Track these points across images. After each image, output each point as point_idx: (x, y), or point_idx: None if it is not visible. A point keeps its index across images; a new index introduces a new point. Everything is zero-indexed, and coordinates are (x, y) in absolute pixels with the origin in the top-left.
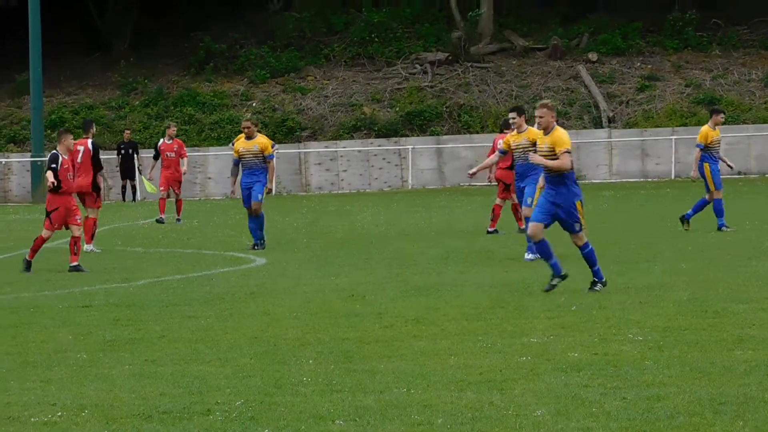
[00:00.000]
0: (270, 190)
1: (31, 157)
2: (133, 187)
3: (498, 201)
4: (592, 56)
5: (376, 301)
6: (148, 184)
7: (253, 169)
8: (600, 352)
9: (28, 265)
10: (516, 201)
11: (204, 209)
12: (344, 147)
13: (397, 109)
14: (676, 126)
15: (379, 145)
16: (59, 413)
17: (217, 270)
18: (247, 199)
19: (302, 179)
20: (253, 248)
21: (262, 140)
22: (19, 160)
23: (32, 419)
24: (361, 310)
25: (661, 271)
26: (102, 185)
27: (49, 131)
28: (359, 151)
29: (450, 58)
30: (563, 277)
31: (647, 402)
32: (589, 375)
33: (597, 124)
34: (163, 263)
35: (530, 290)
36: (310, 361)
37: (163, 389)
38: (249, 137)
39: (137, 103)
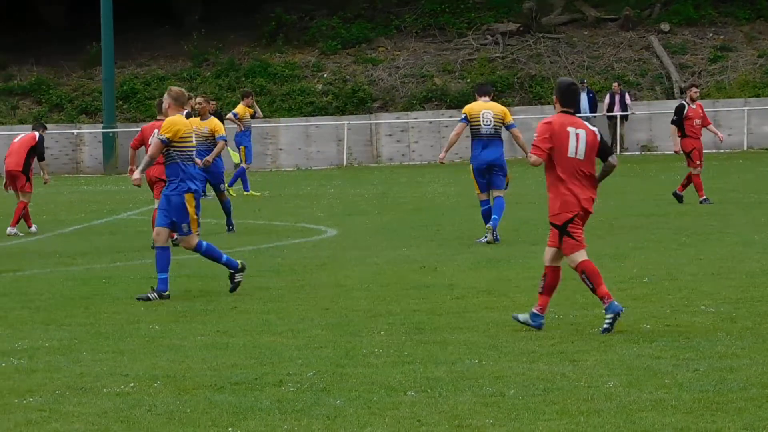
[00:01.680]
0: (208, 162)
1: (103, 128)
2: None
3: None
4: (664, 26)
5: (447, 273)
6: (233, 154)
7: (206, 152)
8: (672, 323)
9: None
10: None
11: (275, 180)
12: (415, 118)
13: (468, 80)
14: (749, 97)
15: (450, 116)
16: (131, 384)
17: (288, 241)
18: (202, 185)
19: (373, 150)
20: (228, 231)
21: (213, 122)
22: (91, 131)
23: (105, 390)
24: (432, 282)
25: (734, 242)
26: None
27: (120, 102)
28: (430, 122)
29: (521, 28)
30: None
31: (720, 373)
32: (662, 346)
33: (669, 95)
34: (235, 235)
35: (602, 261)
36: (381, 333)
37: (234, 360)
38: (201, 117)
39: (209, 74)
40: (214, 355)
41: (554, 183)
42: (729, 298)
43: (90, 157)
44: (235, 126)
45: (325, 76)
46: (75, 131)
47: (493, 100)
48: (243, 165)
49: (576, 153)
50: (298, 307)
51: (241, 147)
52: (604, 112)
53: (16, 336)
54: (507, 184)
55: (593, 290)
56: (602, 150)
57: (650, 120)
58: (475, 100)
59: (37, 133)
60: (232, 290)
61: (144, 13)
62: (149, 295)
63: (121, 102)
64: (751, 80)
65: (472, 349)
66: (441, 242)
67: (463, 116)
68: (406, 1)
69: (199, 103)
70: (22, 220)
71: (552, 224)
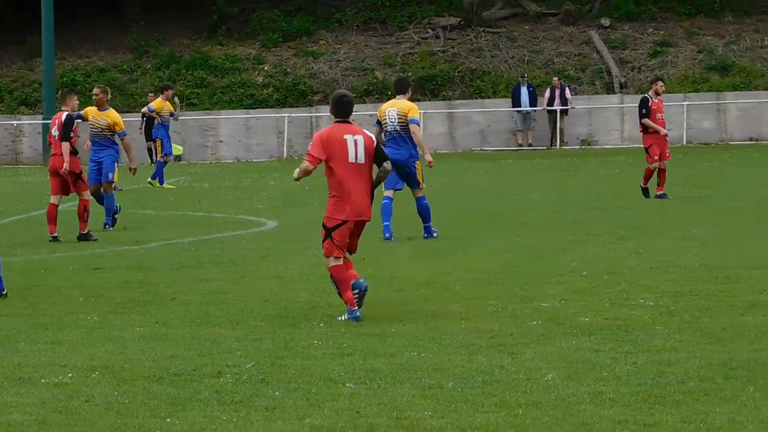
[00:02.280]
0: (134, 170)
1: (43, 119)
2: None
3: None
4: (605, 22)
5: (387, 265)
6: (175, 147)
7: (101, 143)
8: (611, 316)
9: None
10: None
11: (215, 172)
12: (356, 111)
13: (410, 73)
14: (688, 92)
15: None
16: (70, 374)
17: (228, 233)
18: (94, 174)
19: None
20: (104, 228)
21: (112, 115)
22: (30, 123)
23: (43, 380)
24: (373, 273)
25: (673, 236)
26: None
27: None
28: (371, 115)
29: (462, 22)
30: None
31: (658, 366)
32: (600, 339)
33: (609, 89)
34: (175, 226)
35: (542, 255)
36: (321, 324)
37: (174, 351)
38: (100, 107)
39: (149, 66)
40: (153, 346)
41: (333, 188)
42: (668, 291)
43: (29, 148)
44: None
45: (265, 68)
46: (15, 122)
47: (431, 94)
48: (160, 158)
49: (356, 158)
50: (237, 298)
51: (157, 140)
52: (545, 106)
53: None
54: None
55: (339, 295)
56: (378, 155)
57: (590, 114)
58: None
59: None
60: None
61: (85, 4)
62: None
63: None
64: (691, 75)
65: (411, 341)
66: (380, 234)
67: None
68: None
69: (96, 94)
70: None
71: (323, 225)
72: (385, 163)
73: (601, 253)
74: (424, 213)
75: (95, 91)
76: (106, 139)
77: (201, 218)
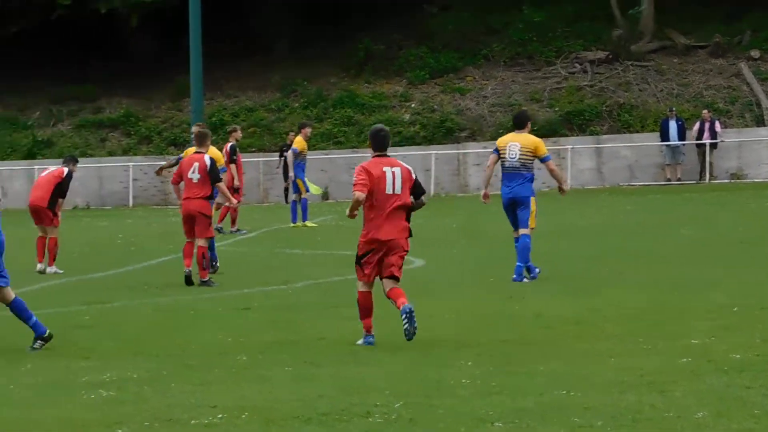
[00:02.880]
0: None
1: None
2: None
3: None
4: (755, 53)
5: (534, 302)
6: (312, 186)
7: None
8: (762, 353)
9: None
10: None
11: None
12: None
13: (557, 108)
14: None
15: None
16: (219, 415)
17: None
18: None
19: (460, 179)
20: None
21: (214, 152)
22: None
23: (192, 421)
24: (520, 312)
25: None
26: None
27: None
28: None
29: (610, 56)
30: None
31: None
32: (752, 376)
33: (759, 122)
34: (321, 265)
35: (691, 290)
36: (469, 363)
37: (322, 391)
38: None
39: (297, 105)
40: (301, 386)
41: (366, 217)
42: None
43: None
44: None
45: (412, 105)
46: (164, 163)
47: (579, 129)
48: (304, 196)
49: (393, 190)
50: (384, 337)
51: (298, 180)
52: (693, 140)
53: (104, 367)
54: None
55: (360, 318)
56: (416, 187)
57: (740, 148)
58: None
59: (65, 169)
60: (30, 350)
61: (233, 44)
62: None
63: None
64: None
65: (560, 379)
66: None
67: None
68: (494, 30)
69: (196, 132)
70: (39, 253)
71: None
72: (422, 197)
73: (752, 288)
74: (524, 252)
75: (194, 129)
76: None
77: (347, 257)
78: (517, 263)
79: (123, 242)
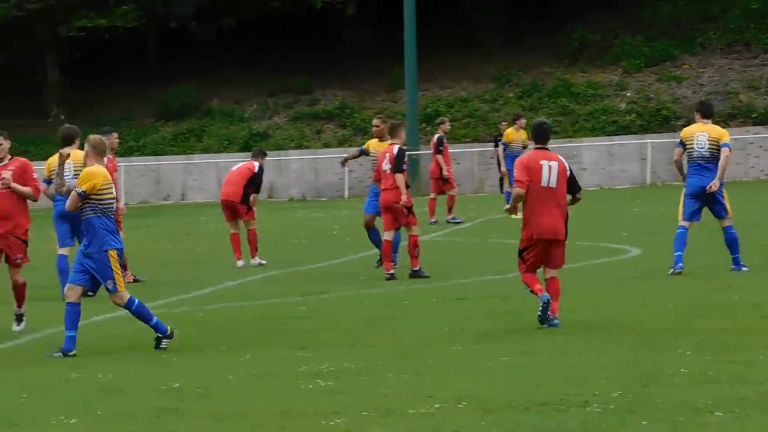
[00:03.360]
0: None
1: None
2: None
3: None
4: None
5: (752, 291)
6: None
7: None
8: None
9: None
10: None
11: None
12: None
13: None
14: None
15: (756, 133)
16: (436, 405)
17: (591, 261)
18: (371, 206)
19: (675, 168)
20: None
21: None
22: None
23: (410, 411)
24: (738, 300)
25: None
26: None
27: (423, 125)
28: (735, 139)
29: None
30: None
31: None
32: None
33: None
34: None
35: None
36: (688, 353)
37: (539, 381)
38: (380, 139)
39: (511, 95)
40: (518, 376)
41: (525, 210)
42: None
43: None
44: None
45: (628, 94)
46: (346, 155)
47: None
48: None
49: (548, 182)
50: (600, 326)
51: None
52: None
53: (321, 358)
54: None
55: (530, 292)
56: (571, 183)
57: None
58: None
59: (256, 163)
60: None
61: (446, 34)
62: (54, 354)
63: (424, 124)
64: None
65: None
66: (746, 260)
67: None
68: (710, 18)
69: (376, 125)
70: (235, 249)
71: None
72: (578, 193)
73: None
74: (732, 243)
75: (375, 122)
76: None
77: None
78: (676, 253)
79: (339, 233)
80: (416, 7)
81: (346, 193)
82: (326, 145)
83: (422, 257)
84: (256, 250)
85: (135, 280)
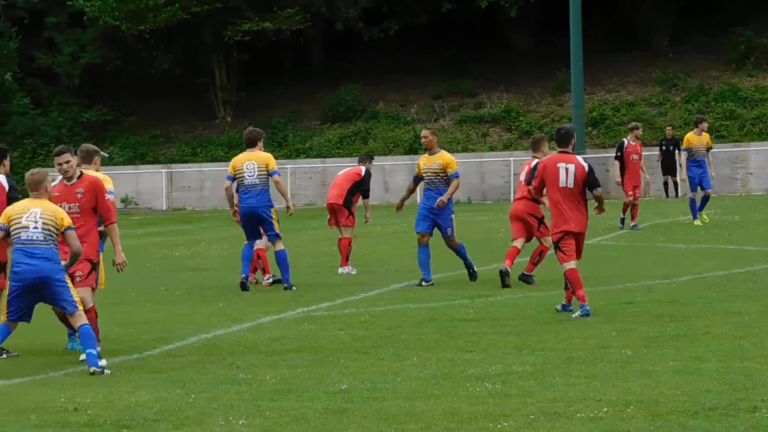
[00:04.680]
0: (443, 202)
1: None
2: (675, 184)
3: None
4: None
5: None
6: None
7: (434, 190)
8: None
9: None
10: None
11: (745, 205)
12: None
13: None
14: None
15: None
16: (605, 409)
17: (760, 266)
18: (422, 223)
19: None
20: (421, 284)
21: (444, 157)
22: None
23: (578, 415)
24: None
25: None
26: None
27: (589, 129)
28: None
29: None
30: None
31: None
32: None
33: None
34: (705, 259)
35: None
36: None
37: (708, 386)
38: (430, 152)
39: (678, 99)
40: (686, 381)
41: (551, 207)
42: None
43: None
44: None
45: None
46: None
47: None
48: (689, 195)
49: (566, 183)
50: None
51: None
52: None
53: (489, 360)
54: None
55: (573, 292)
56: (589, 182)
57: None
58: None
59: (363, 167)
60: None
61: (612, 38)
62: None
63: (590, 128)
64: None
65: None
66: None
67: None
68: None
69: (425, 137)
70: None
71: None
72: (595, 190)
73: None
74: None
75: (424, 133)
76: (442, 184)
77: (731, 251)
78: None
79: (505, 236)
80: (582, 6)
81: (512, 197)
82: (491, 149)
83: (589, 259)
84: (347, 260)
85: (274, 282)
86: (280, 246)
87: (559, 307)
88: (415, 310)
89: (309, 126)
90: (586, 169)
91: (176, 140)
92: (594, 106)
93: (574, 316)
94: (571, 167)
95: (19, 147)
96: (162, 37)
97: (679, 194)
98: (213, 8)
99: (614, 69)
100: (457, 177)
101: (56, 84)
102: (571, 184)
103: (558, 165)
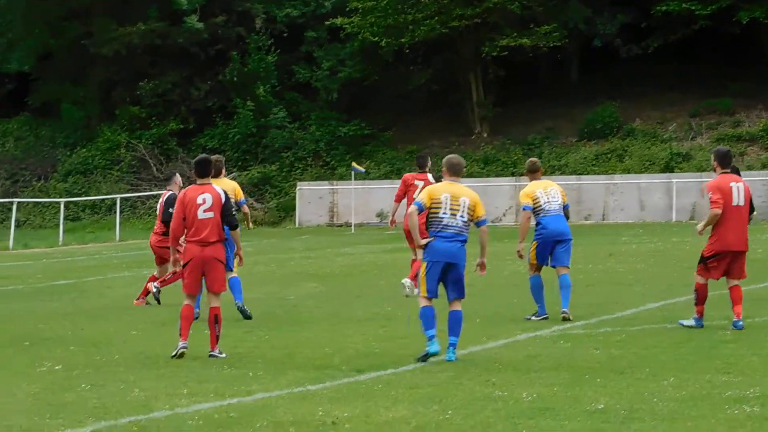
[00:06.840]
0: None
1: None
2: None
3: None
4: None
5: None
6: None
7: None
8: None
9: None
10: None
11: None
12: None
13: None
14: None
15: None
16: None
17: None
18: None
19: None
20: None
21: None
22: None
23: None
24: None
25: None
26: None
27: None
28: None
29: None
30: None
31: None
32: None
33: None
34: None
35: None
36: None
37: None
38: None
39: None
40: None
41: (716, 225)
42: None
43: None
44: None
45: None
46: None
47: None
48: None
49: (738, 201)
50: None
51: None
52: None
53: (747, 383)
54: None
55: (695, 304)
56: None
57: None
58: None
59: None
60: None
61: None
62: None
63: None
64: None
65: None
66: None
67: None
68: None
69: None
70: None
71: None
72: (752, 214)
73: None
74: None
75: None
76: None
77: None
78: None
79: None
80: None
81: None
82: (749, 168)
83: None
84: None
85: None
86: None
87: (687, 322)
88: (672, 330)
89: (565, 143)
90: (749, 190)
91: (433, 156)
92: None
93: (682, 323)
94: (741, 186)
95: (277, 160)
96: (419, 53)
97: None
98: (472, 24)
99: None
100: None
101: (314, 98)
102: (741, 202)
103: (731, 185)
